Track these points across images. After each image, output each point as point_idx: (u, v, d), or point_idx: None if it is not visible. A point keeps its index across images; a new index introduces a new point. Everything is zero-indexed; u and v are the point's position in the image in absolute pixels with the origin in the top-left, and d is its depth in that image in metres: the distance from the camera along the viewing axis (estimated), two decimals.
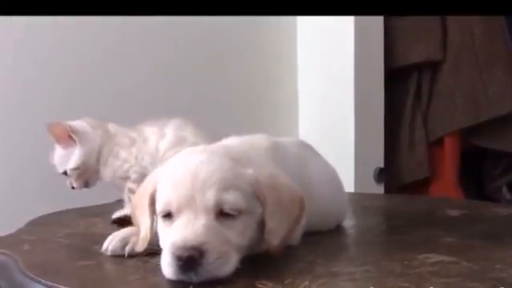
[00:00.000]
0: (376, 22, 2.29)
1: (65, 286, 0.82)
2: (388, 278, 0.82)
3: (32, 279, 0.87)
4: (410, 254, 0.94)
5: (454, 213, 1.34)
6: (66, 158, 1.27)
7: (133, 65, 1.91)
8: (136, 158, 1.26)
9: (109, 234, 1.07)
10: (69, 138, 1.26)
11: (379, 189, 2.30)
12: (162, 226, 0.88)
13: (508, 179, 2.46)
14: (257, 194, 0.88)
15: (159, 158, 1.22)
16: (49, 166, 1.63)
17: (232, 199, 0.84)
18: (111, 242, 0.98)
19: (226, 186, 0.84)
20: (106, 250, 0.97)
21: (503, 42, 2.31)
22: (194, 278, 0.78)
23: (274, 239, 0.89)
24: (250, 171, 0.89)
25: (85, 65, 1.80)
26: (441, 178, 2.34)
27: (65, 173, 1.28)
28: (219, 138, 1.07)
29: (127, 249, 0.96)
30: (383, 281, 0.80)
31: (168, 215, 0.86)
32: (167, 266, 0.80)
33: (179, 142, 1.24)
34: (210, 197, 0.83)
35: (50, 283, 0.84)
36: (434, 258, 0.92)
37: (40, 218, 1.34)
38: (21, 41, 1.68)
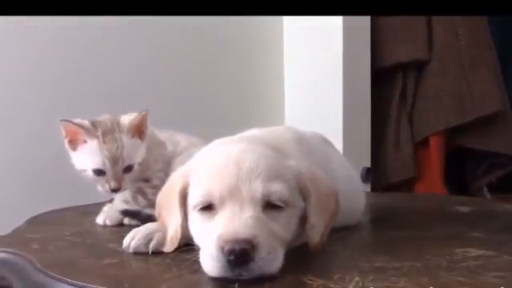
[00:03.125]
0: (363, 22, 2.29)
1: (98, 285, 0.76)
2: (438, 272, 0.79)
3: (57, 279, 0.81)
4: (446, 249, 0.92)
5: (464, 209, 1.33)
6: (134, 152, 1.14)
7: (123, 64, 1.84)
8: (162, 162, 1.19)
9: (121, 233, 1.02)
10: (141, 131, 1.16)
11: (366, 188, 2.29)
12: (199, 219, 0.82)
13: (489, 179, 2.49)
14: (300, 187, 0.84)
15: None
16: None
17: (279, 190, 0.80)
18: (133, 239, 0.92)
19: (272, 176, 0.80)
20: (128, 246, 0.91)
21: (487, 43, 2.34)
22: (245, 275, 0.73)
23: (316, 235, 0.85)
24: (292, 162, 0.85)
25: (81, 66, 1.73)
26: (426, 177, 2.34)
27: (127, 169, 1.13)
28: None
29: (151, 246, 0.90)
30: (435, 275, 0.77)
31: (207, 208, 0.81)
32: (212, 262, 0.74)
33: (191, 147, 1.19)
34: (257, 187, 0.78)
35: (79, 283, 0.77)
36: (473, 252, 0.91)
37: (38, 216, 1.27)
38: (13, 39, 1.60)
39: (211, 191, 0.80)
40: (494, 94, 2.28)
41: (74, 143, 1.14)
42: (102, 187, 1.14)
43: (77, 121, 1.14)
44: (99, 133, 1.12)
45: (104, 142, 1.12)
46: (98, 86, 1.75)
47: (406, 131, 2.36)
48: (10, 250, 0.97)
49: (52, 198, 1.55)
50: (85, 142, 1.13)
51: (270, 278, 0.75)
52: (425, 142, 2.36)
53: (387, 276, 0.77)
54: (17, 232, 1.14)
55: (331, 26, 2.19)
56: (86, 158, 1.13)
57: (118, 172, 1.13)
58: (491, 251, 0.90)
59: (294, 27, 2.31)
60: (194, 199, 0.83)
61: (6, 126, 1.59)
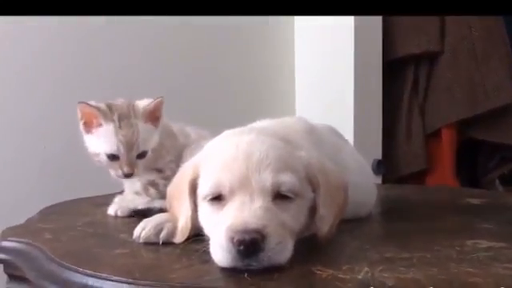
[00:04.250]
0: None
1: (109, 274, 0.76)
2: (448, 263, 0.79)
3: (69, 268, 0.82)
4: (457, 240, 0.92)
5: (475, 201, 1.33)
6: (148, 138, 1.14)
7: (137, 64, 1.85)
8: (174, 153, 1.19)
9: (132, 223, 1.03)
10: (155, 117, 1.16)
11: (377, 180, 2.28)
12: (209, 210, 0.83)
13: (501, 172, 2.47)
14: (309, 178, 0.84)
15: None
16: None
17: (289, 180, 0.80)
18: (144, 229, 0.92)
19: (281, 166, 0.80)
20: (139, 237, 0.92)
21: (500, 35, 2.31)
22: (254, 265, 0.73)
23: (325, 226, 0.85)
24: (302, 153, 0.85)
25: (87, 65, 1.74)
26: (438, 169, 2.33)
27: (141, 155, 1.13)
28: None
29: (162, 236, 0.91)
30: (445, 266, 0.77)
31: (217, 198, 0.81)
32: (222, 252, 0.75)
33: (201, 139, 1.18)
34: (266, 177, 0.78)
35: (90, 272, 0.78)
36: (483, 243, 0.90)
37: (51, 207, 1.28)
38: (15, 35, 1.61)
39: (221, 182, 0.80)
40: (506, 86, 2.26)
41: (89, 126, 1.14)
42: (114, 172, 1.14)
43: (93, 103, 1.13)
44: (115, 117, 1.12)
45: (120, 127, 1.11)
46: (109, 80, 1.76)
47: (417, 123, 2.35)
48: (24, 239, 0.99)
49: (64, 189, 1.57)
50: (100, 125, 1.13)
51: (279, 268, 0.75)
52: (436, 134, 2.35)
53: (396, 266, 0.77)
54: (30, 222, 1.16)
55: (342, 18, 2.18)
56: (101, 141, 1.13)
57: (132, 157, 1.12)
58: (502, 243, 0.90)
59: (306, 19, 2.30)
60: (204, 190, 0.83)
61: (16, 119, 1.60)
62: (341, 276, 0.74)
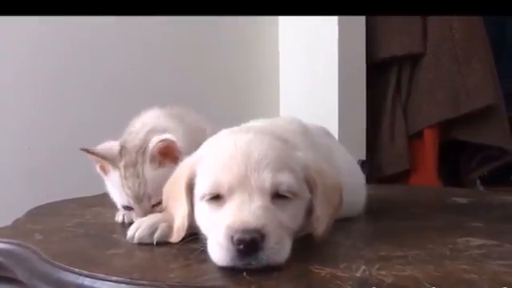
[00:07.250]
0: (358, 16, 2.29)
1: (106, 274, 0.76)
2: (443, 260, 0.80)
3: (65, 269, 0.80)
4: (448, 238, 0.93)
5: (462, 200, 1.35)
6: (161, 184, 0.96)
7: (122, 65, 1.85)
8: None
9: (123, 224, 1.03)
10: (172, 157, 1.01)
11: None
12: (207, 209, 0.82)
13: (482, 172, 2.51)
14: (307, 179, 0.84)
15: None
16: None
17: (288, 180, 0.80)
18: (138, 229, 0.91)
19: (280, 166, 0.80)
20: (132, 237, 0.91)
21: (481, 37, 2.35)
22: (254, 264, 0.73)
23: (321, 226, 0.85)
24: (300, 154, 0.85)
25: (76, 63, 1.74)
26: (420, 170, 2.35)
27: (157, 204, 0.99)
28: None
29: (156, 236, 0.90)
30: (440, 263, 0.78)
31: (215, 197, 0.81)
32: (221, 251, 0.75)
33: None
34: (266, 177, 0.78)
35: (87, 272, 0.77)
36: (475, 241, 0.92)
37: (38, 208, 1.27)
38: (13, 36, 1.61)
39: (220, 181, 0.80)
40: (487, 88, 2.30)
41: (103, 169, 1.05)
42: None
43: (100, 150, 1.03)
44: (121, 165, 1.01)
45: (125, 178, 1.00)
46: (94, 81, 1.76)
47: (400, 124, 2.37)
48: (14, 241, 0.97)
49: (49, 190, 1.55)
50: (110, 170, 1.04)
51: (278, 267, 0.75)
52: (419, 135, 2.37)
53: (392, 264, 0.78)
54: (18, 223, 1.14)
55: (326, 20, 2.19)
56: (114, 190, 1.04)
57: (146, 208, 1.00)
58: (493, 240, 0.92)
59: (290, 22, 2.31)
60: (202, 189, 0.83)
61: (4, 120, 1.58)
62: (339, 274, 0.74)
